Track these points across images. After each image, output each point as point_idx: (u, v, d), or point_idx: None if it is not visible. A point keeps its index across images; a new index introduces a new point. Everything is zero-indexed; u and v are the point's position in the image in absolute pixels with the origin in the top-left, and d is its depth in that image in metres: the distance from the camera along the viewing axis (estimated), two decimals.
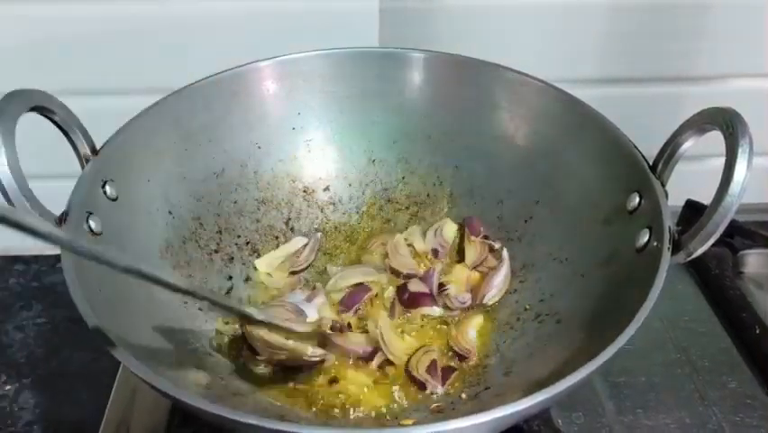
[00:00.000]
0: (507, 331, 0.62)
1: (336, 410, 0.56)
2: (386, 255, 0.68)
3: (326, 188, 0.71)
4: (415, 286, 0.64)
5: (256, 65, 0.67)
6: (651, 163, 0.56)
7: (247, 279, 0.66)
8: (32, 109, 0.52)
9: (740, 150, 0.48)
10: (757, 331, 0.67)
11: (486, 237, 0.67)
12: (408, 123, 0.70)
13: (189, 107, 0.64)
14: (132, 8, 0.72)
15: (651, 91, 0.82)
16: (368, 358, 0.60)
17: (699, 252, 0.50)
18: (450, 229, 0.69)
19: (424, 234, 0.70)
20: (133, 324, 0.51)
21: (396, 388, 0.58)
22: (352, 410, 0.56)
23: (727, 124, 0.50)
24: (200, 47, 0.73)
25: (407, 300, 0.64)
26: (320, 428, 0.51)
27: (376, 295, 0.65)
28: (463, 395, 0.57)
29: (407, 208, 0.72)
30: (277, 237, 0.69)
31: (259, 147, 0.68)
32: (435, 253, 0.68)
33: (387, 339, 0.60)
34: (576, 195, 0.63)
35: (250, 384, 0.57)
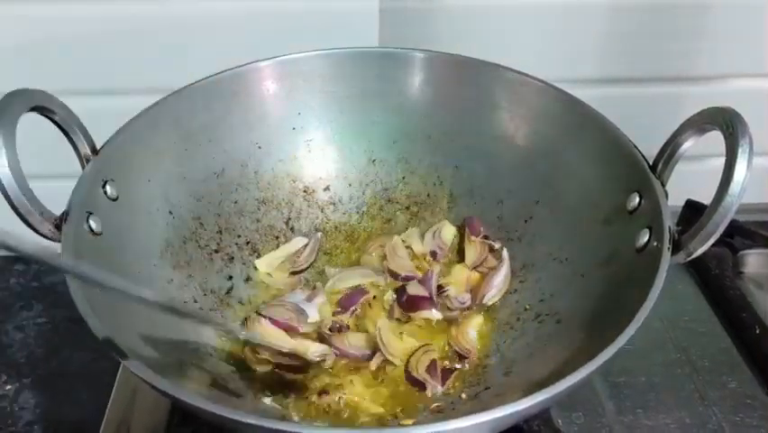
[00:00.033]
0: (507, 331, 0.62)
1: (336, 409, 0.56)
2: (384, 257, 0.68)
3: (326, 188, 0.71)
4: (413, 289, 0.64)
5: (256, 65, 0.67)
6: (651, 163, 0.56)
7: (247, 279, 0.66)
8: (33, 109, 0.52)
9: (740, 150, 0.48)
10: (757, 331, 0.67)
11: (486, 237, 0.67)
12: (408, 123, 0.70)
13: (189, 107, 0.64)
14: (132, 8, 0.72)
15: (651, 91, 0.82)
16: (367, 359, 0.60)
17: (699, 252, 0.50)
18: (448, 231, 0.69)
19: (422, 236, 0.69)
20: (133, 324, 0.51)
21: (395, 388, 0.58)
22: (351, 411, 0.56)
23: (727, 124, 0.50)
24: (200, 47, 0.73)
25: (406, 303, 0.64)
26: (320, 428, 0.51)
27: (374, 297, 0.65)
28: (463, 395, 0.57)
29: (408, 208, 0.72)
30: (277, 237, 0.69)
31: (259, 147, 0.68)
32: (434, 255, 0.68)
33: (386, 340, 0.60)
34: (576, 195, 0.63)
35: (250, 384, 0.57)
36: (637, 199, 0.56)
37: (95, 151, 0.57)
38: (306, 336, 0.61)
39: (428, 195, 0.71)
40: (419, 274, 0.66)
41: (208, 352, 0.58)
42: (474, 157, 0.69)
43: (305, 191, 0.71)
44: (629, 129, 0.59)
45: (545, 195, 0.65)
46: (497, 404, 0.42)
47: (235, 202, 0.67)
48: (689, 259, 0.51)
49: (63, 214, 0.52)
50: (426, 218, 0.71)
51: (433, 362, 0.59)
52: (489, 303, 0.64)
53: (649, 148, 0.57)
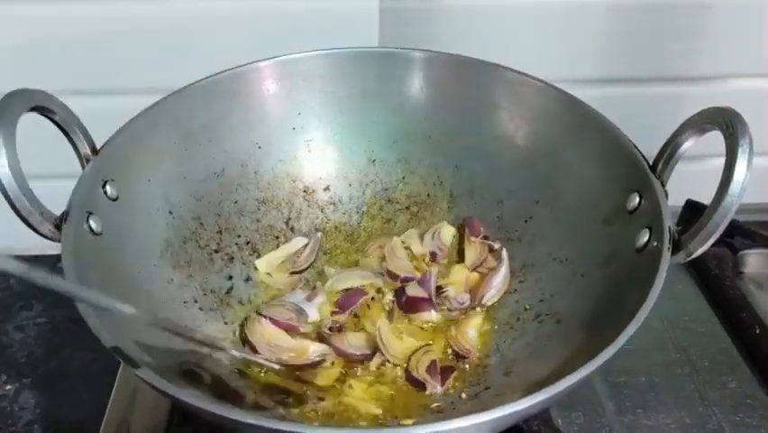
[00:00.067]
0: (507, 331, 0.62)
1: (336, 409, 0.56)
2: (383, 258, 0.68)
3: (326, 188, 0.71)
4: (412, 290, 0.64)
5: (256, 65, 0.67)
6: (651, 163, 0.56)
7: (247, 279, 0.66)
8: (33, 109, 0.52)
9: (740, 150, 0.48)
10: (757, 331, 0.67)
11: (486, 238, 0.67)
12: (408, 123, 0.70)
13: (189, 107, 0.64)
14: (132, 8, 0.72)
15: (651, 91, 0.82)
16: (367, 359, 0.60)
17: (699, 252, 0.50)
18: (447, 232, 0.69)
19: (421, 236, 0.69)
20: (133, 324, 0.51)
21: (395, 388, 0.58)
22: (351, 410, 0.56)
23: (727, 124, 0.50)
24: (200, 47, 0.73)
25: (406, 305, 0.64)
26: (320, 428, 0.51)
27: (372, 298, 0.65)
28: (463, 395, 0.57)
29: (408, 208, 0.72)
30: (277, 237, 0.69)
31: (259, 147, 0.68)
32: (433, 256, 0.68)
33: (385, 341, 0.60)
34: (576, 195, 0.63)
35: (250, 384, 0.57)
36: (637, 199, 0.56)
37: (95, 151, 0.57)
38: (305, 335, 0.61)
39: (428, 195, 0.71)
40: (418, 275, 0.66)
41: (208, 351, 0.58)
42: (474, 157, 0.69)
43: (305, 191, 0.71)
44: (629, 129, 0.59)
45: (545, 195, 0.65)
46: (497, 404, 0.42)
47: (235, 202, 0.67)
48: (689, 259, 0.51)
49: (63, 214, 0.52)
50: (426, 218, 0.71)
51: (433, 362, 0.59)
52: (489, 304, 0.64)
53: (649, 148, 0.57)
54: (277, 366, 0.58)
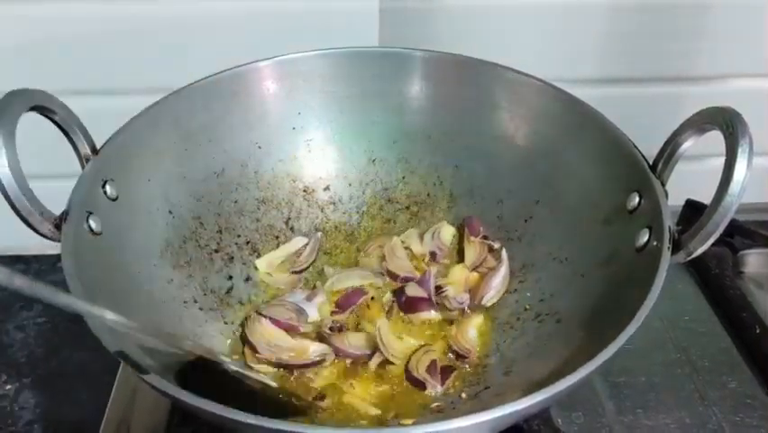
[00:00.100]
0: (507, 331, 0.62)
1: (336, 409, 0.56)
2: (383, 258, 0.68)
3: (326, 188, 0.71)
4: (412, 290, 0.64)
5: (256, 65, 0.67)
6: (651, 163, 0.56)
7: (247, 278, 0.66)
8: (32, 109, 0.52)
9: (740, 149, 0.48)
10: (757, 331, 0.67)
11: (485, 238, 0.67)
12: (408, 123, 0.70)
13: (189, 107, 0.64)
14: (132, 8, 0.72)
15: (651, 91, 0.82)
16: (367, 358, 0.60)
17: (699, 251, 0.50)
18: (447, 232, 0.69)
19: (421, 236, 0.69)
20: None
21: (395, 387, 0.58)
22: (351, 410, 0.56)
23: (727, 123, 0.50)
24: (200, 47, 0.73)
25: (405, 305, 0.64)
26: (320, 428, 0.51)
27: (372, 298, 0.65)
28: (463, 395, 0.57)
29: (408, 208, 0.72)
30: (277, 237, 0.69)
31: (259, 147, 0.68)
32: (433, 255, 0.68)
33: (385, 341, 0.60)
34: (576, 195, 0.63)
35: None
36: (637, 199, 0.56)
37: (94, 150, 0.57)
38: (305, 335, 0.61)
39: (428, 195, 0.71)
40: (418, 275, 0.66)
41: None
42: (474, 157, 0.69)
43: (305, 191, 0.71)
44: (629, 129, 0.59)
45: (545, 195, 0.65)
46: (497, 404, 0.41)
47: (235, 202, 0.67)
48: (689, 258, 0.51)
49: (63, 214, 0.52)
50: (426, 218, 0.71)
51: (433, 362, 0.59)
52: (488, 304, 0.64)
53: (649, 148, 0.57)
54: (273, 383, 0.57)
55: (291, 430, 0.41)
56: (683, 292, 0.73)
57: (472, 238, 0.67)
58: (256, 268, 0.67)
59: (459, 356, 0.60)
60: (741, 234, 0.75)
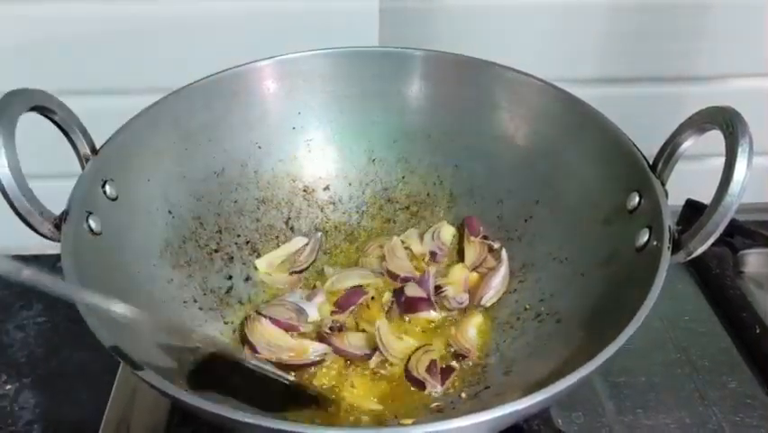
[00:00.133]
0: (507, 330, 0.62)
1: (336, 409, 0.56)
2: (383, 258, 0.68)
3: (326, 188, 0.71)
4: (411, 290, 0.64)
5: (256, 65, 0.67)
6: (651, 163, 0.56)
7: (247, 278, 0.66)
8: (32, 109, 0.52)
9: (740, 149, 0.48)
10: (757, 331, 0.67)
11: (485, 237, 0.67)
12: (408, 123, 0.70)
13: (189, 107, 0.64)
14: (132, 8, 0.72)
15: (651, 91, 0.82)
16: (367, 358, 0.60)
17: (699, 251, 0.50)
18: (447, 232, 0.69)
19: (421, 236, 0.69)
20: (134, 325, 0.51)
21: (395, 387, 0.58)
22: (351, 410, 0.56)
23: (727, 123, 0.50)
24: (200, 47, 0.73)
25: (404, 305, 0.64)
26: (320, 428, 0.51)
27: (372, 298, 0.65)
28: (463, 394, 0.57)
29: (407, 208, 0.72)
30: (277, 237, 0.69)
31: (259, 147, 0.68)
32: (433, 255, 0.68)
33: (385, 341, 0.60)
34: (576, 195, 0.63)
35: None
36: (637, 199, 0.56)
37: (94, 150, 0.57)
38: (305, 335, 0.61)
39: (428, 194, 0.71)
40: (418, 275, 0.66)
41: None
42: (474, 157, 0.69)
43: (305, 191, 0.71)
44: (629, 129, 0.59)
45: (545, 195, 0.65)
46: (496, 403, 0.41)
47: (235, 202, 0.67)
48: (689, 258, 0.51)
49: (63, 214, 0.52)
50: (426, 218, 0.71)
51: (432, 361, 0.59)
52: (487, 305, 0.64)
53: (649, 148, 0.57)
54: (290, 377, 0.57)
55: (291, 430, 0.41)
56: (683, 292, 0.73)
57: (472, 238, 0.67)
58: (256, 268, 0.67)
59: (459, 356, 0.60)
60: (741, 234, 0.75)
